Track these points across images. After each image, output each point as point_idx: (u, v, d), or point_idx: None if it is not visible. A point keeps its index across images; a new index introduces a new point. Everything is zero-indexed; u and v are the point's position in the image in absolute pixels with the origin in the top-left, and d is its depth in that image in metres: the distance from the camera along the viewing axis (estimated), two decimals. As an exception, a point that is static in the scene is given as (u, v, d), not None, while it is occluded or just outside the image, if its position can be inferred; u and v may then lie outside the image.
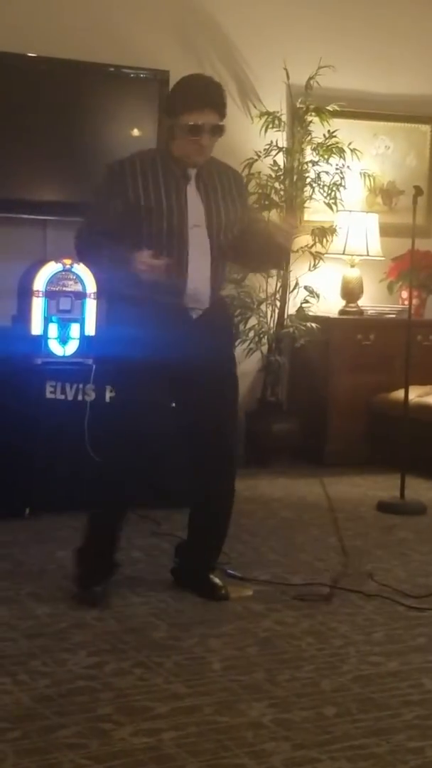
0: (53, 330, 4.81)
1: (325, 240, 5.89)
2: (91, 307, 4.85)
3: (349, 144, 5.87)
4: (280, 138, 5.84)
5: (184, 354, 3.45)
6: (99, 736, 2.60)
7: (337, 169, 5.84)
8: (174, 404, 3.64)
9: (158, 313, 3.43)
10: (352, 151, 5.87)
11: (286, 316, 5.95)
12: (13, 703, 2.77)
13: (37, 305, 4.81)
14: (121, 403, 3.68)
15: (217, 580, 3.69)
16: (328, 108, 5.80)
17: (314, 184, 5.83)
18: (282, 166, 5.82)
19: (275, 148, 5.79)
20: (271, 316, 5.94)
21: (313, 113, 5.80)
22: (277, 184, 5.81)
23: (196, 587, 3.67)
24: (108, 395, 4.64)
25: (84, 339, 4.83)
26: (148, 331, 3.42)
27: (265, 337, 5.91)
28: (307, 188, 5.85)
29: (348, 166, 5.89)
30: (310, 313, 5.93)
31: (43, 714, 2.71)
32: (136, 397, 3.50)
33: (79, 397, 4.71)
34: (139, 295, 3.41)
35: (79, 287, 4.84)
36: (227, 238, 3.53)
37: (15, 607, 3.47)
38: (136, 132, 5.54)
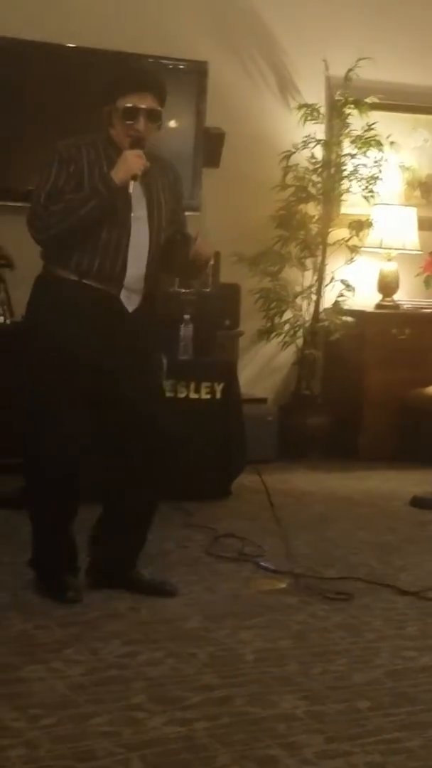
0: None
1: (361, 233, 5.86)
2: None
3: (388, 137, 5.85)
4: (318, 130, 5.82)
5: (115, 349, 3.34)
6: (132, 724, 2.61)
7: (375, 162, 5.82)
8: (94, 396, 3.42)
9: (90, 297, 3.33)
10: (391, 143, 5.85)
11: (321, 309, 5.94)
12: (47, 691, 2.78)
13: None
14: (41, 407, 3.42)
15: (146, 575, 3.59)
16: (367, 100, 5.78)
17: (352, 177, 5.81)
18: (319, 159, 5.80)
19: (313, 140, 5.77)
20: (307, 310, 5.93)
21: (351, 105, 5.78)
22: (314, 177, 5.80)
23: (128, 586, 3.53)
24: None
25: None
26: (77, 319, 3.31)
27: (300, 330, 5.90)
28: (345, 181, 5.83)
29: (386, 159, 5.86)
30: (346, 307, 5.91)
31: (76, 702, 2.72)
32: (57, 401, 3.34)
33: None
34: (72, 278, 3.31)
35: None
36: (163, 234, 3.44)
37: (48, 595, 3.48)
38: (173, 123, 5.54)
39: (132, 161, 3.27)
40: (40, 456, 3.44)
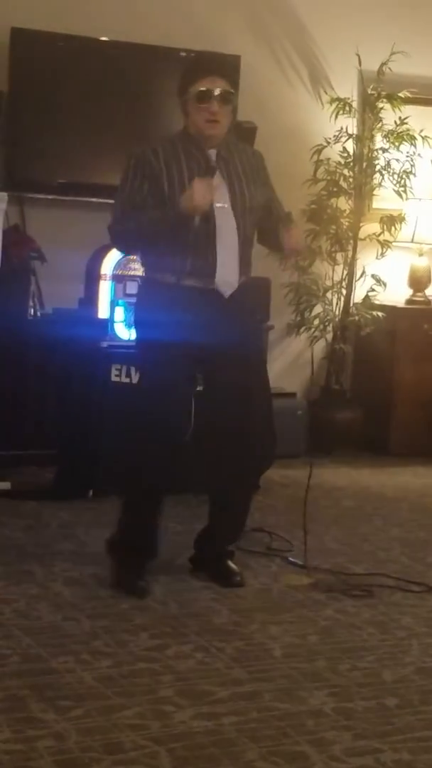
0: (119, 313, 4.83)
1: (393, 228, 5.82)
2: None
3: (421, 131, 5.80)
4: (351, 124, 5.79)
5: (216, 335, 3.42)
6: (160, 717, 2.62)
7: (407, 156, 5.77)
8: (201, 387, 3.60)
9: (190, 295, 3.42)
10: (424, 138, 5.80)
11: (352, 304, 5.91)
12: (76, 682, 2.80)
13: (104, 289, 4.84)
14: (150, 387, 3.55)
15: (233, 566, 3.66)
16: (400, 94, 5.73)
17: (384, 172, 5.77)
18: (351, 153, 5.77)
19: (345, 134, 5.74)
20: (337, 304, 5.91)
21: (384, 100, 5.74)
22: (346, 171, 5.77)
23: (213, 573, 3.63)
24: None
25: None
26: (180, 314, 3.40)
27: (331, 325, 5.88)
28: (377, 175, 5.79)
29: (419, 154, 5.81)
30: (377, 302, 5.88)
31: (105, 694, 2.74)
32: (165, 381, 3.45)
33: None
34: (171, 280, 3.42)
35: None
36: (252, 220, 3.51)
37: (78, 587, 3.50)
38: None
39: (198, 198, 3.30)
40: (144, 445, 3.51)
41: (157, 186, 3.41)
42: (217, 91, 3.38)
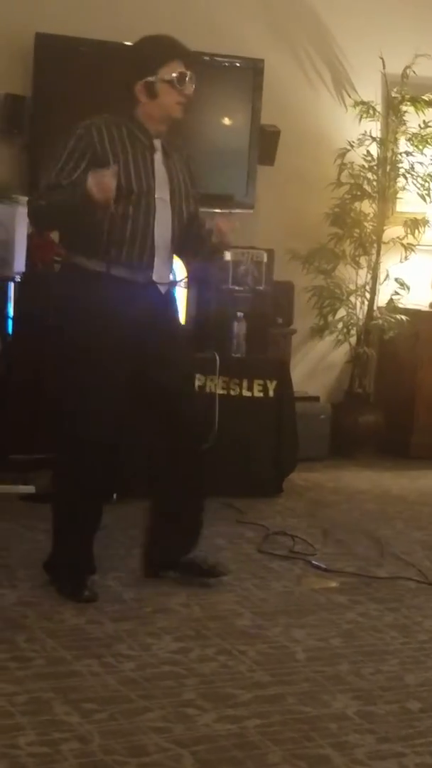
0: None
1: (417, 231, 5.81)
2: (181, 295, 4.87)
3: (445, 134, 5.79)
4: (374, 128, 5.79)
5: (152, 332, 3.35)
6: (183, 720, 2.62)
7: (431, 159, 5.76)
8: (135, 382, 3.42)
9: (125, 287, 3.32)
10: (448, 141, 5.78)
11: (375, 307, 5.90)
12: (99, 685, 2.80)
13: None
14: (81, 390, 3.37)
15: (204, 558, 3.57)
16: (424, 97, 5.73)
17: (407, 175, 5.77)
18: (375, 157, 5.76)
19: (369, 138, 5.74)
20: (360, 308, 5.90)
21: (408, 103, 5.73)
22: (370, 175, 5.76)
23: (182, 572, 3.54)
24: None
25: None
26: (114, 307, 3.29)
27: (354, 328, 5.87)
28: (400, 179, 5.78)
29: (443, 157, 5.81)
30: (400, 306, 5.87)
31: (128, 697, 2.74)
32: (98, 384, 3.31)
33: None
34: (100, 268, 3.29)
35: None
36: (186, 217, 3.45)
37: (101, 590, 3.50)
38: (224, 120, 5.55)
39: (101, 190, 3.14)
40: (77, 446, 3.41)
41: (99, 162, 3.25)
42: (191, 74, 3.35)
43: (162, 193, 3.37)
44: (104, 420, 3.37)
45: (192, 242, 3.53)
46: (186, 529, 3.57)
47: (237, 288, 5.12)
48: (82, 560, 3.49)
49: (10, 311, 4.83)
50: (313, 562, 3.91)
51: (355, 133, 5.75)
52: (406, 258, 5.84)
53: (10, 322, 4.83)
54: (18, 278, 4.75)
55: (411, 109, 5.74)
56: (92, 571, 3.51)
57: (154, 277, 3.38)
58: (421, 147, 5.75)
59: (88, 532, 3.50)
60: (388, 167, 5.77)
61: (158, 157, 3.39)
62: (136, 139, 3.36)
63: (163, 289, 3.43)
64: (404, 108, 5.75)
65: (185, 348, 3.58)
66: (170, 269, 3.46)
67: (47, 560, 3.54)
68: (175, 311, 3.55)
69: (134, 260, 3.34)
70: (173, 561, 3.59)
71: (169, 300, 3.49)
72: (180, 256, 3.69)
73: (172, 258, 3.47)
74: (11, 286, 4.78)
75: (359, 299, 5.90)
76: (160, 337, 3.40)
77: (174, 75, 3.33)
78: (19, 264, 4.70)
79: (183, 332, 3.60)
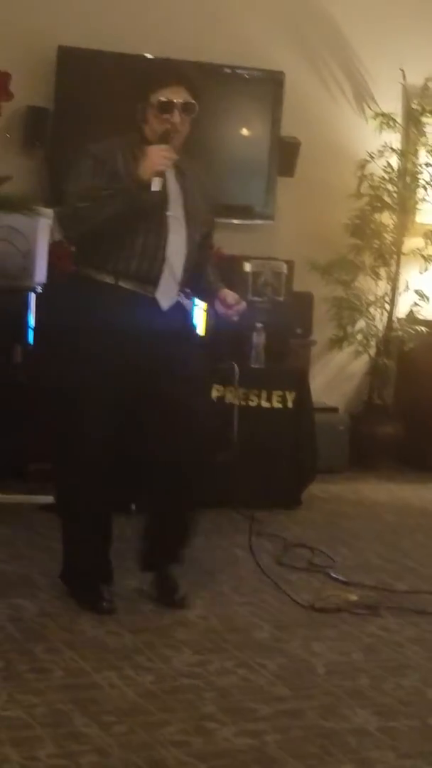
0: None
1: (437, 243, 5.80)
2: (200, 307, 4.86)
3: (465, 146, 5.78)
4: (395, 139, 5.79)
5: (151, 346, 3.31)
6: (202, 734, 2.62)
7: (452, 171, 5.77)
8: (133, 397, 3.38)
9: (127, 299, 3.31)
10: (468, 153, 5.78)
11: (395, 319, 5.89)
12: (119, 697, 2.80)
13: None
14: (75, 399, 3.35)
15: (176, 582, 3.51)
16: (445, 109, 5.73)
17: (428, 186, 5.76)
18: (395, 168, 5.76)
19: (389, 149, 5.74)
20: (380, 319, 5.89)
21: (428, 114, 5.74)
22: (390, 186, 5.76)
23: (156, 585, 3.51)
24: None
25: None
26: (114, 318, 3.28)
27: (373, 339, 5.86)
28: (420, 190, 5.78)
29: (463, 169, 5.80)
30: (420, 317, 5.86)
31: (148, 709, 2.74)
32: (93, 393, 3.29)
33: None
34: (108, 280, 3.29)
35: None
36: (200, 235, 3.43)
37: (120, 602, 3.50)
38: (245, 131, 5.55)
39: (156, 157, 3.22)
40: (73, 459, 3.40)
41: (112, 180, 3.26)
42: (179, 102, 3.30)
43: (175, 211, 3.36)
44: (102, 429, 3.32)
45: (199, 269, 3.48)
46: (169, 537, 3.52)
47: (256, 299, 5.11)
48: (95, 570, 3.48)
49: (31, 321, 4.84)
50: (333, 574, 3.89)
51: (375, 144, 5.75)
52: (425, 269, 5.83)
53: (30, 332, 4.85)
54: (39, 288, 4.77)
55: (431, 120, 5.74)
56: (107, 581, 3.50)
57: (157, 294, 3.35)
58: (441, 158, 5.75)
59: (97, 542, 3.48)
60: (408, 178, 5.77)
61: (170, 175, 3.35)
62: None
63: (165, 306, 3.37)
64: (425, 120, 5.75)
65: (190, 362, 3.49)
66: (179, 287, 3.41)
67: (61, 572, 3.55)
68: (182, 328, 3.47)
69: (141, 275, 3.32)
70: (154, 564, 3.55)
71: (175, 317, 3.41)
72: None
73: (185, 278, 3.41)
74: (32, 296, 4.80)
75: (378, 310, 5.89)
76: (162, 351, 3.34)
77: (158, 101, 3.29)
78: (40, 274, 4.72)
79: (190, 348, 3.52)
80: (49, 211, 4.81)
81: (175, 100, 3.29)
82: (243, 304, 3.51)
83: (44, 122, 5.21)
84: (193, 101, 3.33)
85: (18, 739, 2.52)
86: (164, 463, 3.42)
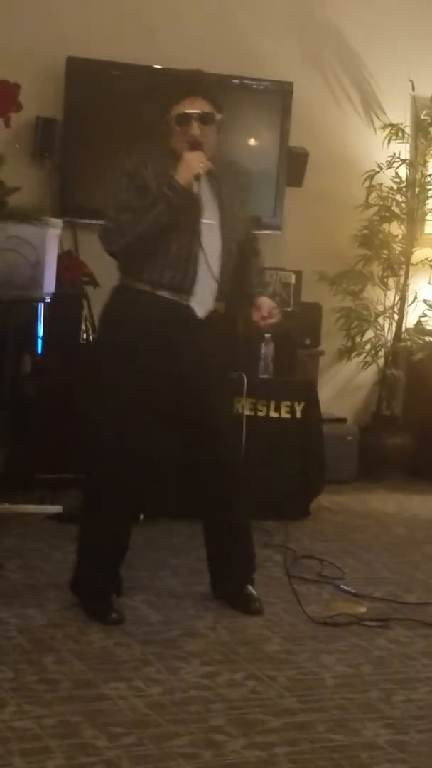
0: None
1: (446, 253, 5.80)
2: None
3: (473, 157, 5.78)
4: (403, 150, 5.79)
5: (186, 353, 3.37)
6: (212, 746, 2.60)
7: (461, 182, 5.77)
8: (170, 406, 3.46)
9: (164, 306, 3.35)
10: None
11: (403, 329, 5.88)
12: (128, 709, 2.79)
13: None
14: (113, 402, 3.40)
15: (252, 592, 3.57)
16: (454, 120, 5.73)
17: (436, 197, 5.76)
18: (404, 179, 5.76)
19: (398, 160, 5.74)
20: (389, 330, 5.88)
21: (437, 125, 5.74)
22: (398, 197, 5.76)
23: (231, 599, 3.56)
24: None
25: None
26: (151, 323, 3.33)
27: (382, 350, 5.86)
28: (429, 201, 5.78)
29: (472, 179, 5.80)
30: (429, 327, 5.85)
31: (157, 721, 2.73)
32: (130, 399, 3.34)
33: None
34: (145, 288, 3.33)
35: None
36: (237, 240, 3.45)
37: (129, 613, 3.49)
38: (253, 142, 5.55)
39: (193, 161, 3.28)
40: (108, 467, 3.42)
41: (147, 197, 3.30)
42: (196, 113, 3.32)
43: (210, 219, 3.38)
44: (136, 440, 3.38)
45: (242, 272, 3.52)
46: (237, 551, 3.58)
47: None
48: (108, 581, 3.48)
49: (40, 331, 4.85)
50: (342, 586, 3.88)
51: (384, 155, 5.76)
52: (435, 280, 5.83)
53: (40, 342, 4.85)
54: (48, 299, 4.77)
55: (440, 131, 5.75)
56: (118, 593, 3.50)
57: (192, 302, 3.39)
58: (450, 169, 5.75)
59: (115, 553, 3.49)
60: (417, 189, 5.77)
61: (204, 183, 3.36)
62: (174, 168, 3.33)
63: (201, 314, 3.41)
64: (433, 130, 5.76)
65: (221, 373, 3.56)
66: (214, 297, 3.43)
67: (72, 580, 3.54)
68: (213, 341, 3.50)
69: (176, 284, 3.35)
70: (226, 587, 3.60)
71: (206, 328, 3.44)
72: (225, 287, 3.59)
73: (219, 284, 3.42)
74: (41, 306, 4.81)
75: (387, 321, 5.89)
76: (195, 361, 3.40)
77: (176, 115, 3.33)
78: (49, 285, 4.73)
79: (220, 358, 3.56)
80: (59, 222, 4.82)
81: (188, 111, 3.32)
82: (277, 317, 3.52)
83: (53, 133, 5.22)
84: (209, 111, 3.35)
85: (27, 750, 2.51)
86: (205, 478, 3.49)
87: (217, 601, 3.61)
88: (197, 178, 3.29)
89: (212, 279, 3.37)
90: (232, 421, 3.58)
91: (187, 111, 3.32)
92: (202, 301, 3.40)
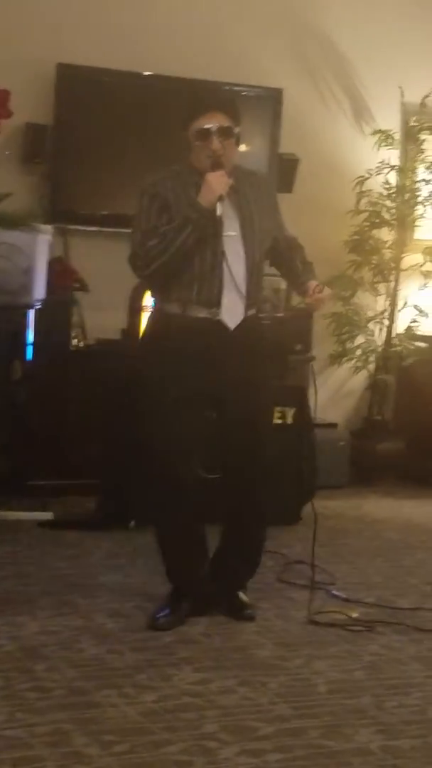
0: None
1: (435, 259, 5.81)
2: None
3: (463, 163, 5.80)
4: (393, 156, 5.80)
5: (222, 369, 3.41)
6: (205, 754, 2.60)
7: (450, 188, 5.78)
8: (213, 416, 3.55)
9: (195, 327, 3.39)
10: (466, 169, 5.79)
11: (394, 334, 5.89)
12: (120, 717, 2.78)
13: (145, 320, 4.86)
14: (156, 427, 3.49)
15: (245, 598, 3.63)
16: (443, 126, 5.75)
17: (426, 203, 5.77)
18: (394, 185, 5.77)
19: (387, 166, 5.75)
20: (379, 335, 5.89)
21: (426, 131, 5.75)
22: (388, 203, 5.77)
23: (224, 604, 3.60)
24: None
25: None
26: (185, 346, 3.39)
27: (373, 355, 5.86)
28: (419, 207, 5.79)
29: (461, 185, 5.81)
30: (419, 333, 5.86)
31: (149, 729, 2.72)
32: (171, 422, 3.41)
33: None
34: (177, 311, 3.40)
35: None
36: (262, 249, 3.48)
37: (121, 619, 3.49)
38: (243, 148, 5.55)
39: (215, 183, 3.32)
40: (162, 481, 3.50)
41: (169, 216, 3.37)
42: (215, 128, 3.35)
43: (231, 230, 3.40)
44: (186, 457, 3.46)
45: (287, 269, 3.61)
46: (243, 561, 3.66)
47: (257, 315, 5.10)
48: (183, 582, 3.55)
49: (30, 337, 4.85)
50: (334, 591, 3.87)
51: (374, 161, 5.77)
52: (424, 285, 5.84)
53: (30, 349, 4.85)
54: (38, 305, 4.77)
55: (429, 137, 5.77)
56: (190, 598, 3.54)
57: (223, 316, 3.41)
58: (439, 175, 5.76)
59: (199, 553, 3.56)
60: (407, 195, 5.78)
61: (224, 195, 3.38)
62: (195, 185, 3.37)
63: (232, 325, 3.43)
64: (423, 137, 5.77)
65: (261, 386, 3.58)
66: (246, 306, 3.45)
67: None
68: (249, 349, 3.50)
69: (203, 298, 3.39)
70: (222, 592, 3.63)
71: (245, 336, 3.46)
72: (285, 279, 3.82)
73: (251, 294, 3.46)
74: (31, 312, 4.80)
75: (378, 326, 5.89)
76: (234, 377, 3.44)
77: (195, 131, 3.36)
78: (39, 291, 4.73)
79: (262, 370, 3.59)
80: (49, 228, 4.83)
81: (206, 126, 3.35)
82: (327, 292, 3.55)
83: (43, 139, 5.22)
84: (228, 125, 3.38)
85: (18, 758, 2.50)
86: (235, 488, 3.55)
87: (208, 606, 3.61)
88: (221, 199, 3.33)
89: (241, 289, 3.41)
90: (270, 434, 3.67)
91: (206, 126, 3.35)
92: (232, 312, 3.43)
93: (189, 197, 3.36)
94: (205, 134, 3.36)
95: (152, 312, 3.64)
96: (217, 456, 3.58)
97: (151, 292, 3.61)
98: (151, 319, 3.62)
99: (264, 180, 3.62)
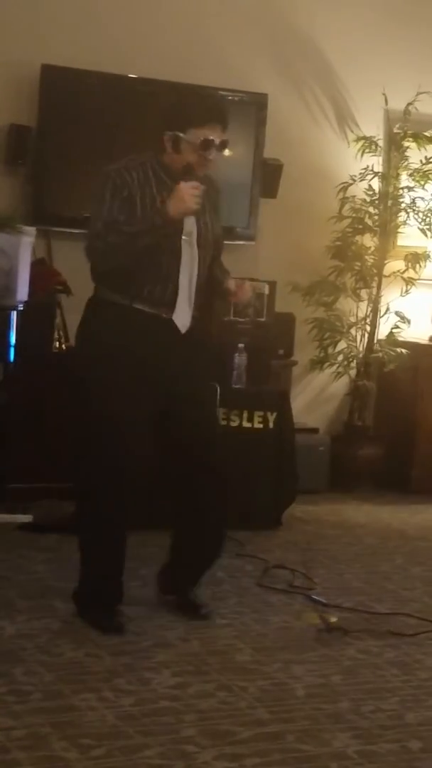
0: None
1: (418, 265, 5.83)
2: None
3: (446, 170, 5.82)
4: (376, 163, 5.82)
5: (170, 367, 3.40)
6: (182, 758, 2.60)
7: (432, 195, 5.80)
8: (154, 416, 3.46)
9: (144, 320, 3.37)
10: (449, 177, 5.81)
11: (375, 340, 5.91)
12: (97, 720, 2.78)
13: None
14: (102, 418, 3.41)
15: (200, 599, 3.63)
16: (426, 133, 5.77)
17: (409, 210, 5.79)
18: (377, 191, 5.79)
19: (371, 172, 5.77)
20: (361, 341, 5.91)
21: (410, 138, 5.77)
22: (371, 209, 5.79)
23: (178, 603, 3.60)
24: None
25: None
26: (133, 338, 3.35)
27: (354, 361, 5.88)
28: (402, 213, 5.81)
29: (444, 193, 5.84)
30: (400, 339, 5.88)
31: (126, 733, 2.72)
32: (118, 413, 3.35)
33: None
34: (123, 302, 3.36)
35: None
36: (212, 255, 3.49)
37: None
38: (227, 152, 5.55)
39: (188, 198, 3.27)
40: (99, 478, 3.43)
41: (131, 207, 3.33)
42: (218, 141, 3.37)
43: (188, 234, 3.39)
44: (128, 449, 3.37)
45: (212, 276, 3.56)
46: (202, 560, 3.63)
47: (238, 319, 5.11)
48: (114, 591, 3.49)
49: (12, 339, 4.83)
50: (313, 596, 3.88)
51: (357, 167, 5.78)
52: (406, 292, 5.86)
53: (12, 351, 4.84)
54: (20, 307, 4.76)
55: (413, 144, 5.78)
56: (120, 601, 3.51)
57: (174, 317, 3.40)
58: (422, 182, 5.78)
59: (120, 562, 3.50)
60: (390, 202, 5.80)
61: None
62: (161, 181, 3.37)
63: (183, 328, 3.43)
64: (406, 144, 5.79)
65: (207, 386, 3.61)
66: (194, 307, 3.45)
67: (76, 591, 3.55)
68: (197, 349, 3.51)
69: (156, 298, 3.37)
70: (180, 588, 3.63)
71: (190, 338, 3.46)
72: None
73: (198, 299, 3.45)
74: (14, 314, 4.79)
75: (359, 332, 5.91)
76: (181, 374, 3.42)
77: (200, 140, 3.34)
78: (22, 293, 4.72)
79: (207, 371, 3.62)
80: (32, 230, 4.82)
81: (211, 138, 3.35)
82: (248, 288, 3.56)
83: (27, 140, 5.21)
84: (227, 139, 3.41)
85: (-5, 762, 2.50)
86: (191, 455, 3.49)
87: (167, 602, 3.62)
88: (191, 214, 3.32)
89: (192, 293, 3.41)
90: (220, 432, 3.66)
91: (211, 137, 3.34)
92: (184, 315, 3.42)
93: (153, 196, 3.33)
94: (210, 145, 3.36)
95: (93, 300, 3.48)
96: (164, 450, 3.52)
97: (98, 280, 3.45)
98: (93, 307, 3.47)
99: (216, 185, 3.59)
